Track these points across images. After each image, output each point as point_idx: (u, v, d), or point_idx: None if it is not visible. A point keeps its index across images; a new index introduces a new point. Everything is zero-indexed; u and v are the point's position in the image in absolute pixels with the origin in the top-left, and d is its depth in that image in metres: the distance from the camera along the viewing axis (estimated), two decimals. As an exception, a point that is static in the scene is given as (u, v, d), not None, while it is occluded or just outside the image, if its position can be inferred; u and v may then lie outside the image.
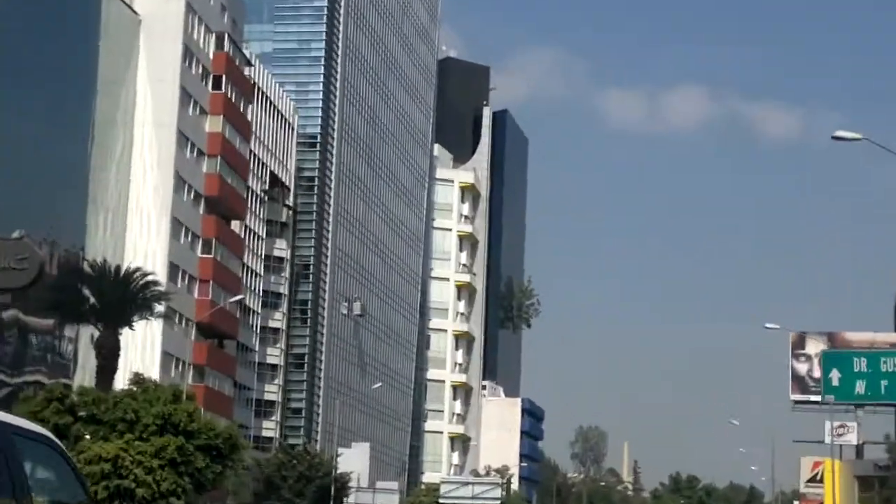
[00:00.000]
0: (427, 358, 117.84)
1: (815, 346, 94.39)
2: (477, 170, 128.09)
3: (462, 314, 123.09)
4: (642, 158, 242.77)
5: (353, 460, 73.75)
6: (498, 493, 50.50)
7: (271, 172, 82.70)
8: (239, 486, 61.19)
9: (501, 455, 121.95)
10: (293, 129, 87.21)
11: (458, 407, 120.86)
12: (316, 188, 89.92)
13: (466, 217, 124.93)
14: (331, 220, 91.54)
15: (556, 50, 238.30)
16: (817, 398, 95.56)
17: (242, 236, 76.32)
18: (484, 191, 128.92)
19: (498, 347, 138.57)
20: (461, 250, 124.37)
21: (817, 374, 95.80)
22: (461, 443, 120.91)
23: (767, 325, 47.02)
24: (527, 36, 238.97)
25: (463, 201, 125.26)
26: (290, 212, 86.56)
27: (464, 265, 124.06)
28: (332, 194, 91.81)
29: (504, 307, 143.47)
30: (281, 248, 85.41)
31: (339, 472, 66.15)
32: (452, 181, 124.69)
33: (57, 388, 43.34)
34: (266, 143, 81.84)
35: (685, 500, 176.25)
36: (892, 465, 48.13)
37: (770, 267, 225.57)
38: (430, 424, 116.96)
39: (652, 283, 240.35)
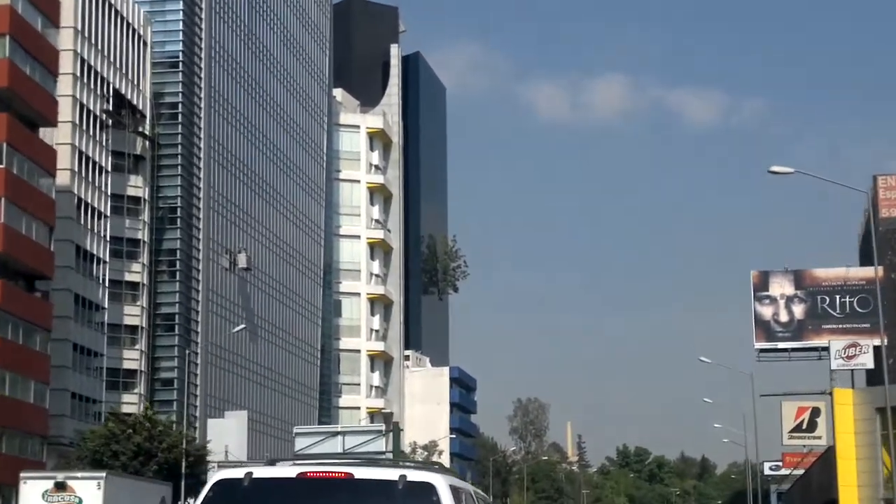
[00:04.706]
0: (338, 326, 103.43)
1: (780, 287, 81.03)
2: (387, 114, 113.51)
3: (377, 276, 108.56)
4: (569, 136, 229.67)
5: (226, 432, 59.28)
6: (381, 444, 36.30)
7: (116, 91, 67.68)
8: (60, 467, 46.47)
9: (429, 430, 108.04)
10: (146, 45, 72.26)
11: (376, 379, 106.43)
12: (181, 117, 75.05)
13: (377, 167, 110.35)
14: (202, 155, 76.74)
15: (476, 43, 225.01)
16: (785, 345, 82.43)
17: (77, 164, 61.46)
18: (396, 138, 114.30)
19: (421, 314, 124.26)
20: (372, 204, 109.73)
21: (784, 317, 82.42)
22: (382, 418, 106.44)
23: (773, 169, 32.90)
24: (449, 26, 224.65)
25: (372, 149, 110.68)
26: (148, 143, 71.67)
27: (376, 221, 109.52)
28: (202, 126, 77.00)
29: (427, 271, 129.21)
30: (136, 187, 70.51)
31: (198, 444, 51.77)
32: (359, 127, 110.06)
33: None
34: (107, 54, 66.87)
35: (635, 475, 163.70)
36: None
37: (712, 240, 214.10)
38: (344, 399, 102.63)
39: (592, 248, 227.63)
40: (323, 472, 8.57)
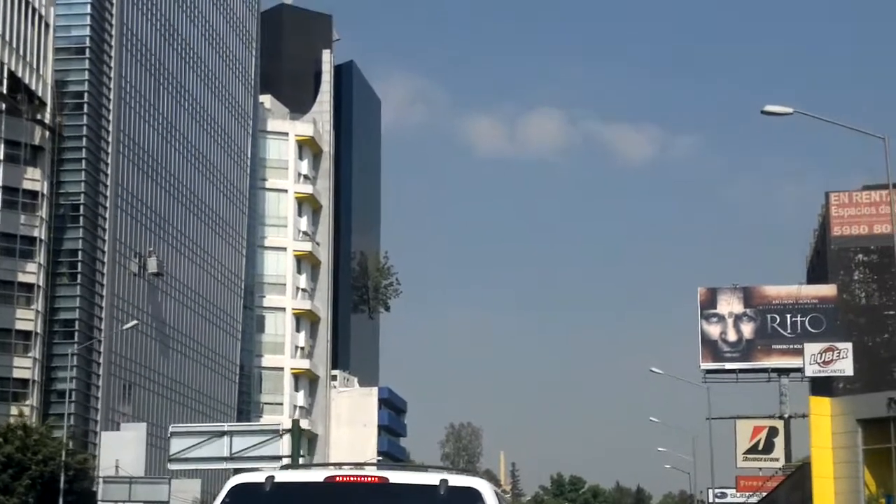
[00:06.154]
0: (261, 342, 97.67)
1: (728, 305, 76.40)
2: (318, 122, 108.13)
3: (304, 290, 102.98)
4: (503, 168, 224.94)
5: (122, 446, 53.47)
6: (278, 447, 31.05)
7: (11, 74, 61.83)
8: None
9: (356, 453, 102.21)
10: (48, 26, 66.50)
11: (300, 399, 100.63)
12: (87, 107, 69.23)
13: (306, 177, 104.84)
14: (111, 150, 70.94)
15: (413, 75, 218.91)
16: (733, 366, 77.52)
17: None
18: (327, 147, 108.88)
19: (350, 332, 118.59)
20: (300, 215, 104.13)
21: (732, 336, 77.43)
22: (306, 439, 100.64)
23: (768, 109, 28.23)
24: (387, 58, 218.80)
25: (301, 158, 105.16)
26: (48, 133, 65.80)
27: (304, 233, 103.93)
28: (111, 118, 71.24)
29: (357, 288, 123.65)
30: (34, 180, 64.57)
31: (80, 457, 45.97)
32: (287, 134, 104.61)
33: None
34: (2, 33, 61.05)
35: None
36: None
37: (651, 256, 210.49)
38: (266, 419, 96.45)
39: (526, 270, 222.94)
40: (354, 475, 8.20)
